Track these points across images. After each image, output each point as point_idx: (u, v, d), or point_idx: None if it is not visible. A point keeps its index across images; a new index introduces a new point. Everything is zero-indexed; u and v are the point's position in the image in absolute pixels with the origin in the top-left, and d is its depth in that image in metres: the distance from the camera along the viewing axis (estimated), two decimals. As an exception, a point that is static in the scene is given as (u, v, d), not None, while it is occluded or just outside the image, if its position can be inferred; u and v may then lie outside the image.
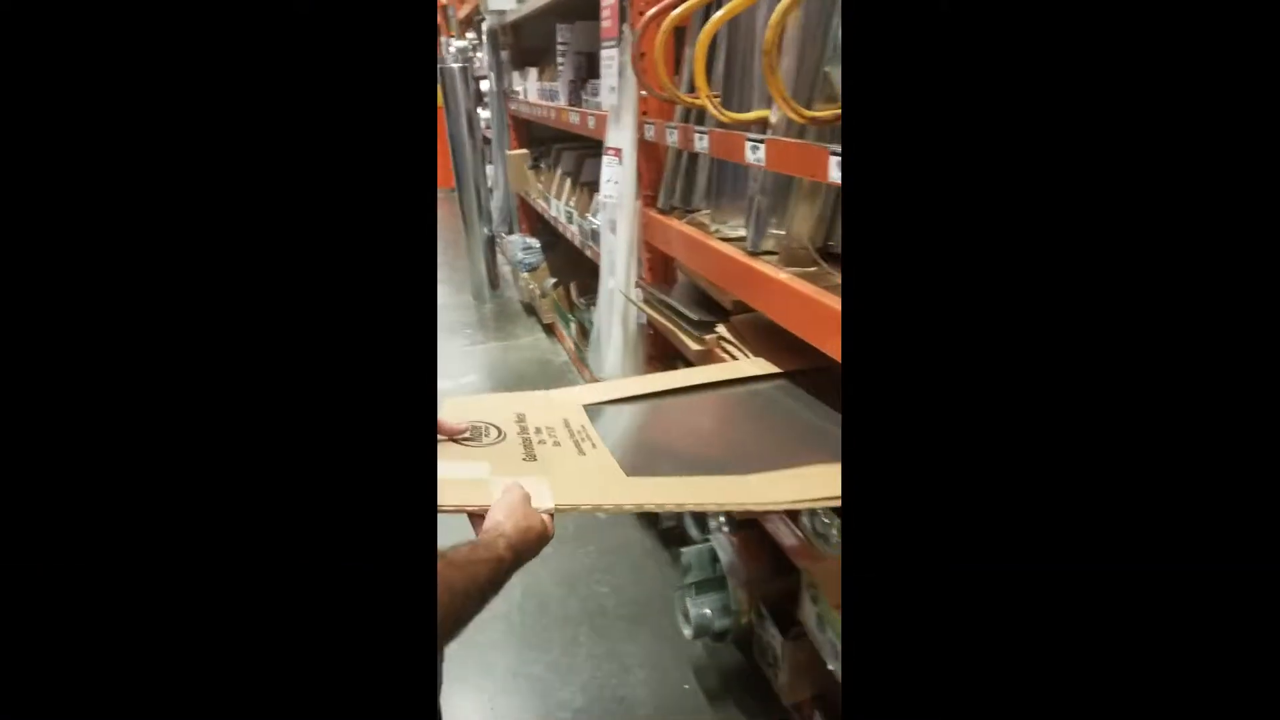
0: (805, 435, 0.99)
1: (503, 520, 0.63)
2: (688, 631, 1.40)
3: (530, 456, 0.81)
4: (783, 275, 1.04)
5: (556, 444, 0.86)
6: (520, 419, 0.92)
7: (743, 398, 1.12)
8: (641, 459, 0.87)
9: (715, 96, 1.17)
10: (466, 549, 0.60)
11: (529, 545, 0.63)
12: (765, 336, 1.19)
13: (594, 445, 0.87)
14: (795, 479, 0.81)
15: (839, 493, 0.79)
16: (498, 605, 1.86)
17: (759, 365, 1.17)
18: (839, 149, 0.81)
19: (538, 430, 0.89)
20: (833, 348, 0.91)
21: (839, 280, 0.99)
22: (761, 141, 1.00)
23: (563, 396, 1.06)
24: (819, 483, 0.80)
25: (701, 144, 1.20)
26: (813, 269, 1.07)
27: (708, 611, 1.39)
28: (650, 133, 1.45)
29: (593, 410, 1.01)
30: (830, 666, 1.03)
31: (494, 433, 0.85)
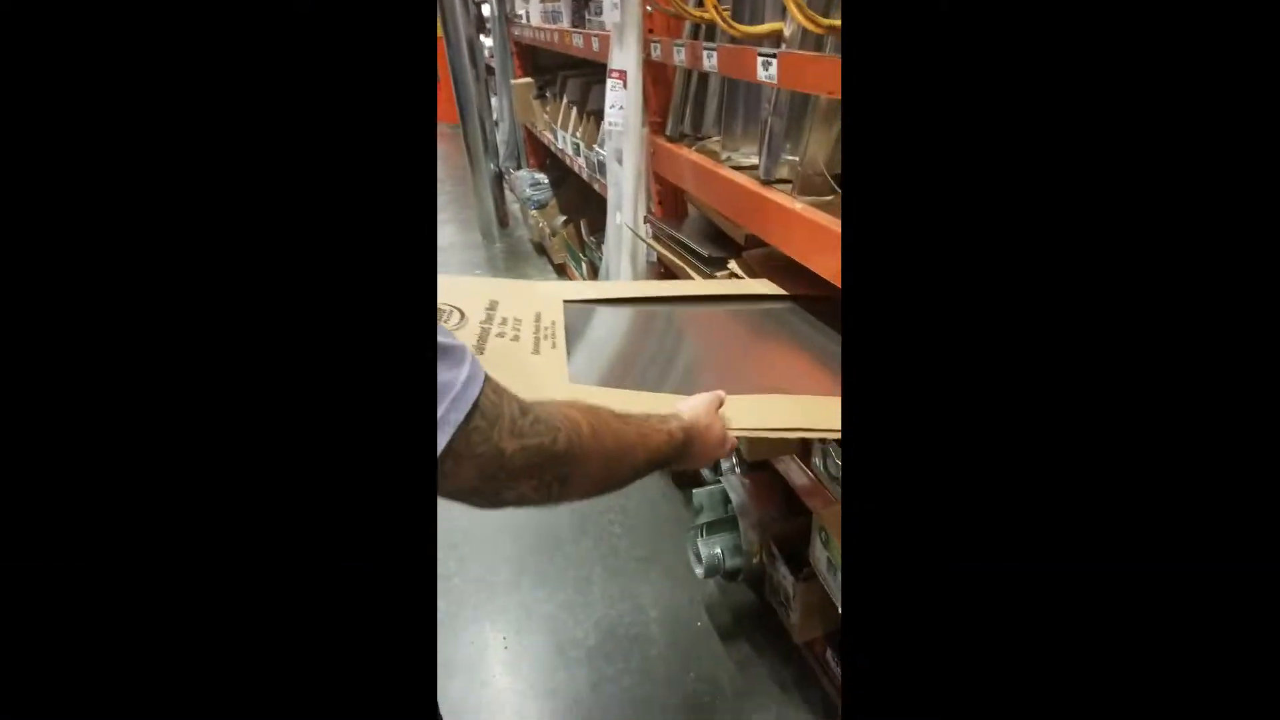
0: (803, 359, 0.93)
1: (683, 410, 0.67)
2: (699, 571, 1.40)
3: (479, 350, 0.77)
4: (797, 205, 0.97)
5: (515, 338, 0.82)
6: (492, 306, 0.87)
7: (746, 314, 1.06)
8: (598, 367, 0.82)
9: (725, 9, 1.07)
10: (641, 416, 0.62)
11: (703, 441, 0.65)
12: (779, 273, 1.13)
13: (553, 346, 0.82)
14: (756, 405, 0.75)
15: (798, 425, 0.74)
16: (510, 548, 1.86)
17: (770, 285, 1.11)
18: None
19: (503, 321, 0.84)
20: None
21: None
22: (774, 56, 0.91)
23: (549, 289, 1.01)
24: (777, 413, 0.75)
25: (710, 62, 1.11)
26: (829, 198, 1.00)
27: (719, 551, 1.38)
28: (656, 52, 1.35)
29: (575, 309, 0.96)
30: (841, 610, 1.01)
31: (456, 317, 0.81)
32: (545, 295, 0.97)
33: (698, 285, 1.15)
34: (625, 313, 1.03)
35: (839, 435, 0.77)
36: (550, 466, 0.51)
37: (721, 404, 0.71)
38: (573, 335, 0.88)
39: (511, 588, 1.57)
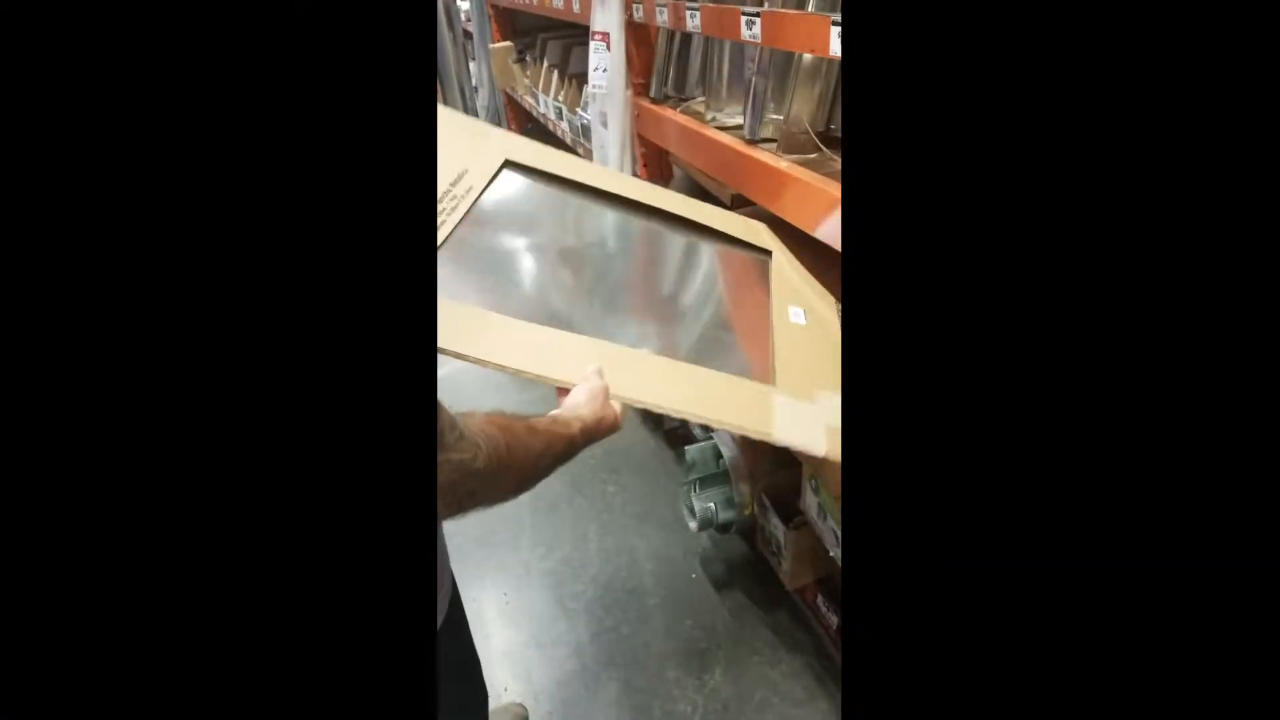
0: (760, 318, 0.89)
1: (583, 404, 0.69)
2: (693, 525, 1.44)
3: None
4: (783, 164, 0.99)
5: None
6: None
7: (716, 251, 1.02)
8: (462, 275, 0.72)
9: (707, -34, 1.07)
10: (548, 420, 0.66)
11: (600, 432, 0.70)
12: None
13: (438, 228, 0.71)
14: (665, 378, 0.73)
15: (697, 412, 0.73)
16: (509, 508, 1.89)
17: (767, 234, 1.11)
18: (840, 17, 0.74)
19: None
20: (829, 237, 0.88)
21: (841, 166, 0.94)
22: (757, 15, 0.92)
23: (499, 141, 0.87)
24: (681, 392, 0.73)
25: (694, 22, 1.11)
26: (814, 155, 1.02)
27: (712, 505, 1.42)
28: (639, 13, 1.34)
29: (512, 178, 0.83)
30: (831, 553, 1.06)
31: None
32: (489, 149, 0.84)
33: (679, 202, 1.04)
34: (567, 202, 0.88)
35: (735, 428, 0.75)
36: (464, 482, 0.51)
37: (608, 392, 0.72)
38: (476, 218, 0.75)
39: (510, 547, 1.62)
